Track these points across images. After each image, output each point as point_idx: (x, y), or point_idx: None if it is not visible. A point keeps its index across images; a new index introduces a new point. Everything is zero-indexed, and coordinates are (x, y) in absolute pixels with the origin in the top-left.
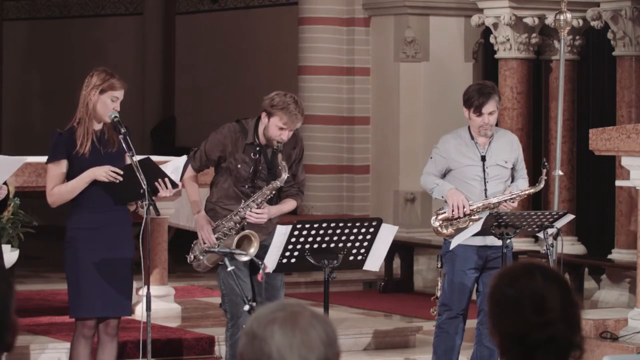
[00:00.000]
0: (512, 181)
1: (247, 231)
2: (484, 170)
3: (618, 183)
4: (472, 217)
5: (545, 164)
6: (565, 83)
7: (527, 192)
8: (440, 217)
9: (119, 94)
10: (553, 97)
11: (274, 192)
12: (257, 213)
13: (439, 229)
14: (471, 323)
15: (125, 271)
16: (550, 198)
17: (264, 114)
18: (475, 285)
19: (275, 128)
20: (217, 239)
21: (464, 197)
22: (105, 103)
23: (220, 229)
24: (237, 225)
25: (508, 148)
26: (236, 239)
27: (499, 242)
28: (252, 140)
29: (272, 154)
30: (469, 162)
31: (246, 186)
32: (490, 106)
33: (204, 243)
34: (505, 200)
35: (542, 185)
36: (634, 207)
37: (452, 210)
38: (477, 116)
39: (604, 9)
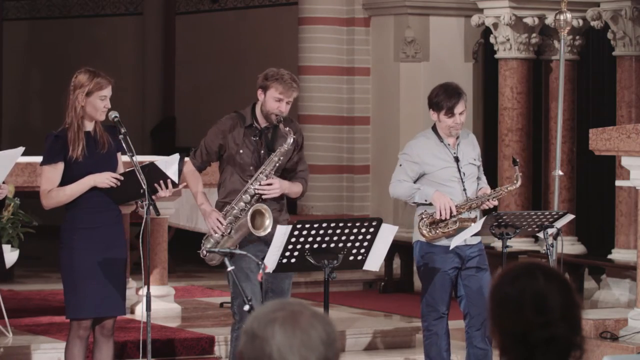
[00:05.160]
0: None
1: (257, 205)
2: (459, 171)
3: (618, 183)
4: (460, 217)
5: (517, 160)
6: (565, 83)
7: (507, 189)
8: (427, 220)
9: (107, 92)
10: (553, 97)
11: (281, 158)
12: (267, 184)
13: (426, 233)
14: (457, 324)
15: (120, 271)
16: (550, 198)
17: (259, 92)
18: (455, 288)
19: (272, 101)
20: (229, 223)
21: (450, 199)
22: (94, 105)
23: (230, 213)
24: (248, 205)
25: (471, 146)
26: (249, 217)
27: (476, 240)
28: (251, 122)
29: (272, 134)
30: (443, 164)
31: (251, 168)
32: (461, 106)
33: (215, 233)
34: (489, 199)
35: (519, 183)
36: (634, 207)
37: (440, 214)
38: (448, 117)
39: (604, 9)
